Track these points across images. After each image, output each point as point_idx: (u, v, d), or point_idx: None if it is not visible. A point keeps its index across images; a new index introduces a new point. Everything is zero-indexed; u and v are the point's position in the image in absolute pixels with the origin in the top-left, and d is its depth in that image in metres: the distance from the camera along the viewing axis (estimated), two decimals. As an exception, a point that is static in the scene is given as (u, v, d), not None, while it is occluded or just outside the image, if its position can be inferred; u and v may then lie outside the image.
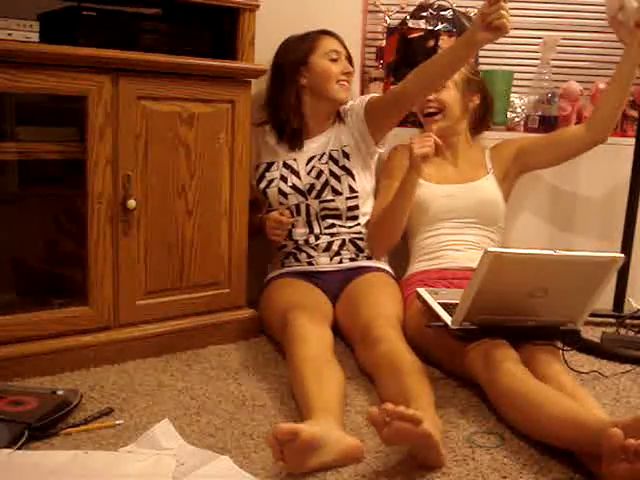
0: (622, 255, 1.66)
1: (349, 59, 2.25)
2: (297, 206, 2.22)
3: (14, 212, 1.97)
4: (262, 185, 2.24)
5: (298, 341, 1.75)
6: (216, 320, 2.09)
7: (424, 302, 1.88)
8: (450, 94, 2.24)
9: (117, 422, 1.53)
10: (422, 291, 1.92)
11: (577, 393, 1.55)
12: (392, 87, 2.24)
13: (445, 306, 1.80)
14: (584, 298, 1.73)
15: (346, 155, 2.23)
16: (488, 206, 2.25)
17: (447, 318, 1.74)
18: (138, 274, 1.92)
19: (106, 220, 1.84)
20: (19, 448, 1.37)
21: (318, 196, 2.21)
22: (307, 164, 2.22)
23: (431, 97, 2.22)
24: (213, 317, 2.09)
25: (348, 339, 2.05)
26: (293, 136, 2.24)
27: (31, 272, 2.01)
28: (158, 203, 1.93)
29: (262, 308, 2.17)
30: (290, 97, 2.21)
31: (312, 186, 2.21)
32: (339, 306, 2.14)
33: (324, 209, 2.22)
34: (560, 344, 1.77)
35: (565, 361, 1.76)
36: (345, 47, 2.24)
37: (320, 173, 2.21)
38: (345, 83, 2.20)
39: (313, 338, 1.76)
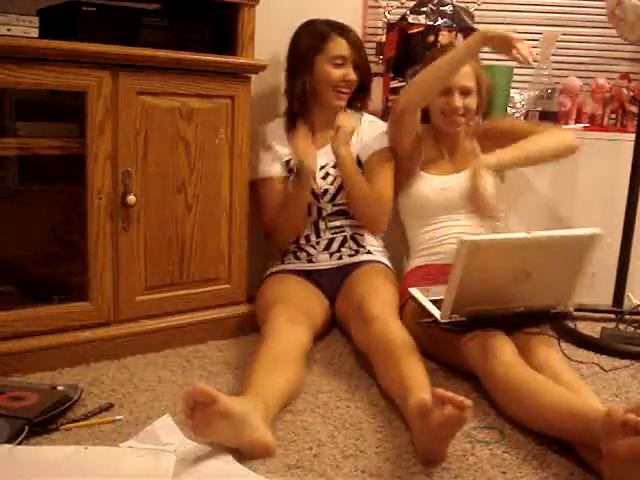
0: (599, 230, 1.66)
1: (361, 62, 2.20)
2: (309, 207, 2.21)
3: (14, 207, 1.97)
4: (291, 177, 2.21)
5: (269, 338, 1.75)
6: (216, 316, 2.09)
7: (416, 301, 1.88)
8: (475, 100, 2.22)
9: (117, 418, 1.54)
10: (414, 291, 1.92)
11: (573, 382, 1.56)
12: (392, 110, 2.22)
13: (436, 302, 1.80)
14: (569, 278, 1.73)
15: (358, 161, 2.23)
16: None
17: (436, 313, 1.75)
18: (138, 270, 1.92)
19: (106, 216, 1.84)
20: (19, 443, 1.37)
21: (332, 200, 2.21)
22: (321, 169, 2.21)
23: (459, 103, 2.18)
24: (213, 313, 2.09)
25: (344, 321, 2.06)
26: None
27: (31, 267, 2.01)
28: (158, 199, 1.93)
29: (255, 303, 2.16)
30: (296, 87, 2.20)
31: (326, 191, 2.20)
32: (339, 299, 2.15)
33: (334, 211, 2.23)
34: (554, 332, 1.78)
35: (562, 350, 1.76)
36: (358, 49, 2.19)
37: (334, 180, 2.20)
38: (343, 90, 2.18)
39: (284, 337, 1.75)
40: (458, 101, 2.18)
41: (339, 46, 2.17)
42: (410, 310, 1.97)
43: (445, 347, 1.84)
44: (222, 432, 1.35)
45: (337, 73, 2.17)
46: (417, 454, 1.43)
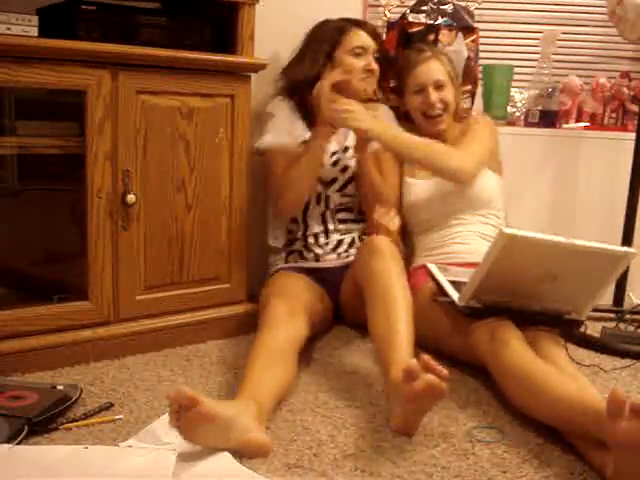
0: (634, 251, 1.68)
1: (381, 52, 2.23)
2: (318, 195, 2.21)
3: (13, 207, 1.96)
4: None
5: (267, 328, 1.75)
6: (216, 315, 2.09)
7: (432, 277, 1.88)
8: (450, 92, 2.23)
9: (117, 417, 1.53)
10: (432, 267, 1.93)
11: (576, 379, 1.56)
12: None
13: (453, 283, 1.82)
14: (591, 290, 1.74)
15: None
16: (473, 190, 2.18)
17: (454, 294, 1.75)
18: (138, 269, 1.92)
19: (106, 215, 1.84)
20: (19, 443, 1.37)
21: (341, 189, 2.22)
22: (331, 156, 2.19)
23: (434, 98, 2.19)
24: (213, 312, 2.09)
25: (349, 297, 2.10)
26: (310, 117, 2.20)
27: (31, 267, 2.01)
28: (158, 198, 1.92)
29: (259, 300, 2.15)
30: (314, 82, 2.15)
31: (334, 179, 2.21)
32: (345, 279, 2.15)
33: (341, 203, 2.24)
34: (562, 334, 1.78)
35: (566, 350, 1.76)
36: (377, 39, 2.23)
37: (346, 168, 2.20)
38: (367, 79, 2.18)
39: (282, 328, 1.75)
40: (434, 95, 2.20)
41: (358, 36, 2.19)
42: (424, 296, 1.95)
43: (455, 332, 1.84)
44: (208, 435, 1.35)
45: (360, 62, 2.17)
46: (390, 426, 1.49)
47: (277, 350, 1.67)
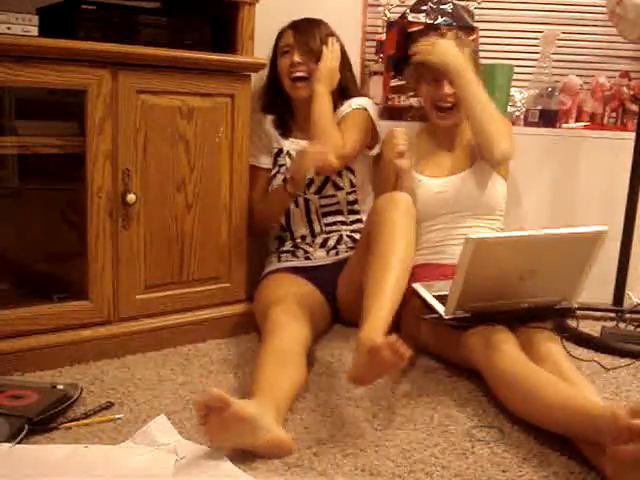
0: (606, 228, 1.68)
1: (311, 49, 2.19)
2: (295, 199, 2.22)
3: (14, 206, 1.96)
4: (274, 170, 2.27)
5: (271, 334, 1.75)
6: (216, 314, 2.09)
7: (419, 297, 1.88)
8: None
9: (117, 416, 1.53)
10: (417, 286, 1.92)
11: (574, 377, 1.56)
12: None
13: (440, 298, 1.81)
14: (574, 275, 1.74)
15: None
16: (482, 196, 2.17)
17: (440, 309, 1.75)
18: (138, 268, 1.92)
19: (106, 214, 1.84)
20: (19, 442, 1.37)
21: (318, 192, 2.22)
22: None
23: (448, 91, 2.11)
24: (213, 311, 2.09)
25: (348, 298, 2.11)
26: (282, 122, 2.29)
27: (31, 266, 2.01)
28: (158, 197, 1.93)
29: (254, 302, 2.15)
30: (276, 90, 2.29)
31: (311, 181, 2.21)
32: (340, 281, 2.15)
33: (325, 205, 2.24)
34: (556, 326, 1.79)
35: (563, 345, 1.76)
36: (305, 36, 2.20)
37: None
38: (298, 74, 2.19)
39: (286, 332, 1.75)
40: (447, 88, 2.12)
41: (286, 36, 2.24)
42: (412, 308, 1.97)
43: (448, 343, 1.84)
44: (237, 436, 1.35)
45: (286, 60, 2.20)
46: (347, 374, 1.58)
47: (287, 351, 1.68)
